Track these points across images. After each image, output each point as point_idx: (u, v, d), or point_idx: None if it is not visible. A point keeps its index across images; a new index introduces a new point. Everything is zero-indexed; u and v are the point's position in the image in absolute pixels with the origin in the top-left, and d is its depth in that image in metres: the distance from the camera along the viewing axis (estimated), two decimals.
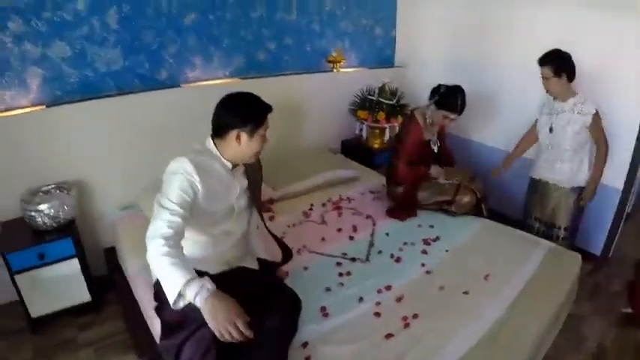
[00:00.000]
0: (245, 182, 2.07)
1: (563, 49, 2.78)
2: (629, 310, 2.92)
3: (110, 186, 2.99)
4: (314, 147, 3.97)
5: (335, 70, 4.04)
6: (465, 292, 2.24)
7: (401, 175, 3.04)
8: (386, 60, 4.63)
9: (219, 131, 1.88)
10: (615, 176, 3.25)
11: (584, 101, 2.79)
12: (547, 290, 2.29)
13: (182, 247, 1.67)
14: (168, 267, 1.54)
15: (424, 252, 2.61)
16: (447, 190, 3.03)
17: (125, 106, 2.90)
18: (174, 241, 1.64)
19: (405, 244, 2.68)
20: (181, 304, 1.55)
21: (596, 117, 2.77)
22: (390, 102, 3.90)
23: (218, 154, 1.90)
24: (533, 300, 2.20)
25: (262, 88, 3.41)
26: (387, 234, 2.80)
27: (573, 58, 2.78)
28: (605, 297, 3.16)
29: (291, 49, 3.82)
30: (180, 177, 1.74)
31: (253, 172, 2.12)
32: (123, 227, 2.84)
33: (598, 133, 2.83)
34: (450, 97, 2.90)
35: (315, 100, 3.94)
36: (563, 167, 2.97)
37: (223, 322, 1.50)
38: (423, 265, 2.48)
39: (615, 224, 3.41)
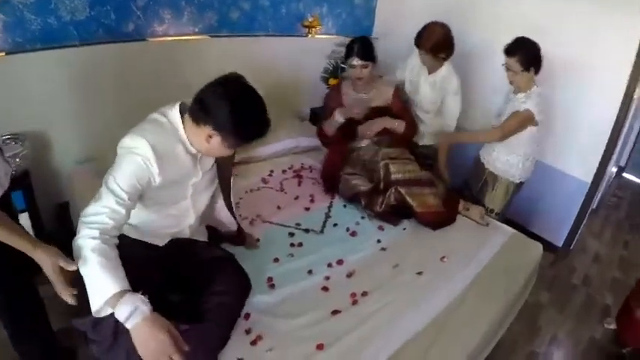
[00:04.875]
0: (210, 161, 1.82)
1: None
2: (612, 327, 2.81)
3: (68, 139, 2.80)
4: (281, 112, 3.78)
5: (310, 36, 3.87)
6: (419, 273, 2.13)
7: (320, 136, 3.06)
8: (364, 30, 4.43)
9: (196, 114, 1.55)
10: (585, 170, 3.22)
11: (528, 98, 2.60)
12: (504, 276, 2.20)
13: (117, 242, 1.48)
14: (98, 269, 1.34)
15: (381, 228, 2.49)
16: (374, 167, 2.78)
17: (88, 58, 2.70)
18: (111, 235, 1.45)
19: (363, 218, 2.56)
20: (102, 314, 1.36)
21: (525, 115, 2.58)
22: None
23: (184, 136, 1.61)
24: (489, 285, 2.11)
25: (233, 47, 3.37)
26: (345, 206, 2.68)
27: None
28: (564, 289, 3.14)
29: (266, 10, 3.62)
30: (135, 160, 1.50)
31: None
32: (77, 181, 2.64)
33: (508, 121, 2.65)
34: (347, 47, 2.86)
35: (287, 64, 3.77)
36: (495, 154, 2.83)
37: (157, 355, 1.33)
38: (378, 241, 2.37)
39: (580, 217, 3.36)
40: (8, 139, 2.47)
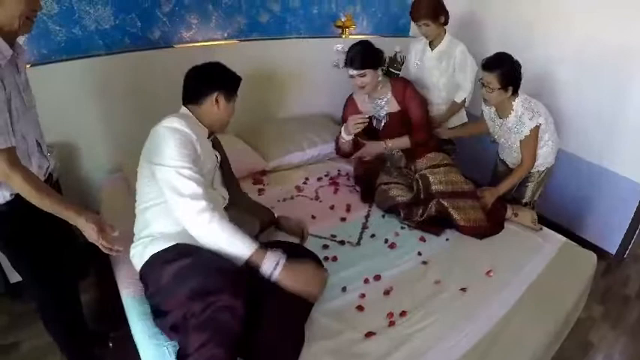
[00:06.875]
0: (217, 156, 2.02)
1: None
2: None
3: (97, 149, 2.83)
4: (316, 116, 3.71)
5: (344, 36, 3.75)
6: (463, 289, 1.98)
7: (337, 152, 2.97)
8: (401, 29, 4.30)
9: (195, 97, 1.85)
10: (638, 169, 2.98)
11: (521, 115, 2.50)
12: (556, 291, 2.04)
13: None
14: (228, 236, 1.64)
15: (422, 239, 2.35)
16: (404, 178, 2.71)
17: (114, 66, 2.72)
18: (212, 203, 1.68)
19: (403, 228, 2.43)
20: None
21: (534, 132, 2.51)
22: (400, 72, 3.62)
23: (197, 120, 1.86)
24: (540, 301, 1.95)
25: (264, 51, 3.30)
26: (384, 216, 2.55)
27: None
28: (618, 301, 2.91)
29: (297, 12, 3.53)
30: (177, 136, 1.69)
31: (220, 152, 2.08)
32: (108, 191, 2.68)
33: (527, 149, 2.57)
34: (346, 55, 2.62)
35: (321, 66, 3.64)
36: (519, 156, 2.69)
37: (307, 280, 1.71)
38: (419, 254, 2.23)
39: (635, 222, 3.12)
40: None
